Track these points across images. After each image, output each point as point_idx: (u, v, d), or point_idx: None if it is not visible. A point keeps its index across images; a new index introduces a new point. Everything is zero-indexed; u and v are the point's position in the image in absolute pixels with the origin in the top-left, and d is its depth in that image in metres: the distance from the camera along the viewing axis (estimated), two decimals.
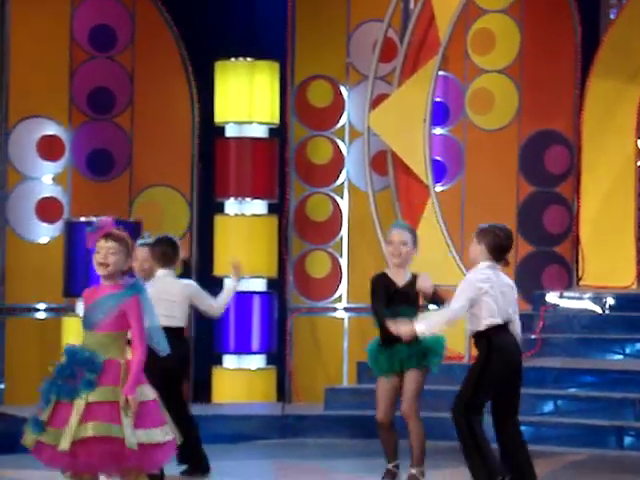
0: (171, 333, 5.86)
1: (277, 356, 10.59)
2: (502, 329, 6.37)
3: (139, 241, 7.20)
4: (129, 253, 5.39)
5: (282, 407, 9.73)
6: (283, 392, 10.48)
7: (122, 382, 5.23)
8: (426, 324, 6.38)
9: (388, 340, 6.60)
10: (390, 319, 6.48)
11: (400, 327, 6.36)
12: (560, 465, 8.09)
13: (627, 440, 8.55)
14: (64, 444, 5.13)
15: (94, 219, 5.54)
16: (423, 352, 6.73)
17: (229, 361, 10.46)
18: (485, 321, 6.35)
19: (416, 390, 6.72)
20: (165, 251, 7.06)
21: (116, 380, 5.23)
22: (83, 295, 5.46)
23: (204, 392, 10.35)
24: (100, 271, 5.36)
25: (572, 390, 9.13)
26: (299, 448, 8.61)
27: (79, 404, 5.18)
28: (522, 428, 8.89)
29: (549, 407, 9.07)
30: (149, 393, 5.29)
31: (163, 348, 5.43)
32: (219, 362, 10.49)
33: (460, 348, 9.63)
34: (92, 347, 5.28)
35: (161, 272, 7.10)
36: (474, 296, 6.32)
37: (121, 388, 5.20)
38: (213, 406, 10.03)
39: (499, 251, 6.42)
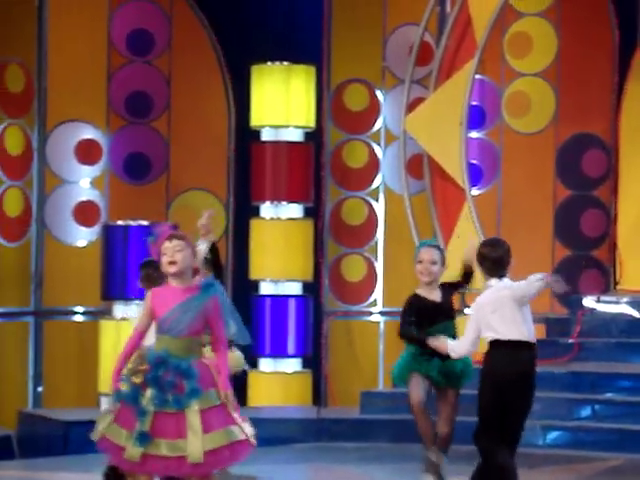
0: None
1: (313, 360, 10.60)
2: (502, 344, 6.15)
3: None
4: (194, 251, 5.40)
5: (318, 410, 9.73)
6: (319, 396, 10.49)
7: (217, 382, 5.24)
8: (456, 348, 6.36)
9: (423, 353, 6.63)
10: (425, 336, 6.53)
11: (439, 343, 6.40)
12: (597, 470, 8.05)
13: None
14: (197, 454, 5.08)
15: (152, 229, 5.50)
16: (456, 373, 6.71)
17: (265, 364, 10.48)
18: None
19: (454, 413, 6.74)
20: (148, 273, 7.08)
21: (213, 382, 5.24)
22: (151, 298, 5.37)
23: (241, 396, 10.37)
24: (170, 269, 5.30)
25: (609, 395, 9.08)
26: (335, 452, 8.61)
27: (193, 413, 5.14)
28: (559, 433, 8.95)
29: (586, 412, 9.02)
30: (215, 399, 5.30)
31: (244, 339, 5.46)
32: (255, 366, 10.51)
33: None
34: (175, 352, 5.23)
35: None
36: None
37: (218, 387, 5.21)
38: (249, 409, 10.04)
39: (492, 265, 6.23)
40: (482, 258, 6.24)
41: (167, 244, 5.34)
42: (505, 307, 6.14)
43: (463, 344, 6.28)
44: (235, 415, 5.20)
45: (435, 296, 6.81)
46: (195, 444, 5.10)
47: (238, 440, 5.17)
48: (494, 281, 6.22)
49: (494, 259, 6.19)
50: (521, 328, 6.16)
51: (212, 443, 5.11)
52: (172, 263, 5.30)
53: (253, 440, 5.23)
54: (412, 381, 6.75)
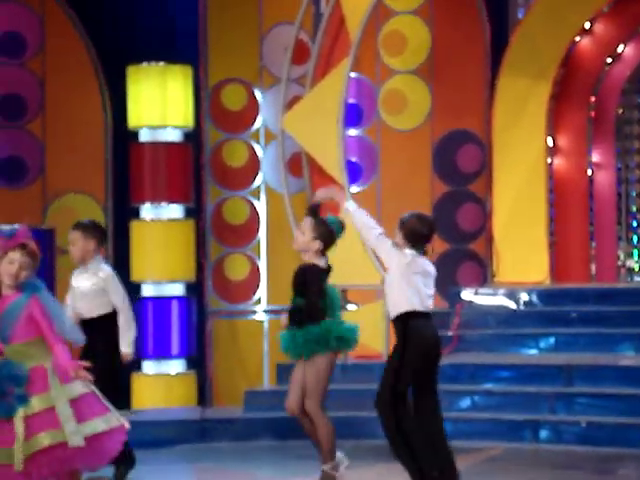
0: None
1: (197, 360, 10.57)
2: (420, 315, 6.44)
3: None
4: (35, 267, 5.38)
5: (201, 411, 9.71)
6: (204, 396, 10.47)
7: (51, 386, 5.20)
8: (357, 208, 6.67)
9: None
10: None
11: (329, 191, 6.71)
12: (477, 460, 8.19)
13: (542, 434, 8.68)
14: (18, 464, 5.08)
15: (9, 227, 5.47)
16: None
17: (149, 367, 10.41)
18: (403, 307, 6.44)
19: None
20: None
21: (46, 386, 5.19)
22: None
23: (124, 399, 10.29)
24: (8, 281, 5.31)
25: (488, 385, 9.25)
26: (218, 452, 8.61)
27: (18, 420, 5.13)
28: None
29: (466, 403, 9.17)
30: (80, 388, 5.26)
31: (77, 339, 5.40)
32: (138, 368, 10.44)
33: (379, 347, 9.72)
34: (14, 358, 5.22)
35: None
36: (394, 250, 6.49)
37: (51, 391, 5.16)
38: (133, 412, 9.97)
39: (416, 238, 6.50)
40: (410, 231, 6.54)
41: (18, 255, 5.30)
42: (428, 281, 6.53)
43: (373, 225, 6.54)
44: (64, 416, 5.12)
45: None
46: (17, 452, 5.10)
47: (60, 442, 5.12)
48: (412, 253, 6.42)
49: (422, 234, 6.49)
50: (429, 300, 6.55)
51: (32, 448, 5.08)
52: (13, 277, 5.28)
53: (76, 442, 5.12)
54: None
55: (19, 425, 5.13)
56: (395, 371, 6.44)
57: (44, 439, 5.11)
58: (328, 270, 7.00)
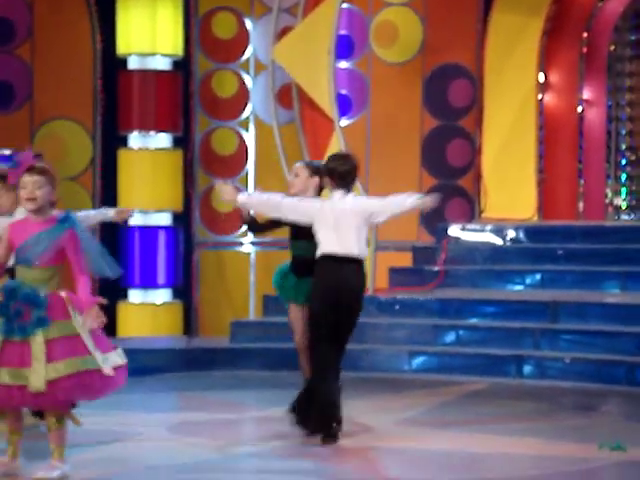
0: None
1: (183, 290, 10.60)
2: (331, 258, 6.25)
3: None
4: (55, 184, 5.32)
5: (188, 340, 9.76)
6: (190, 326, 10.51)
7: (73, 315, 5.18)
8: (247, 196, 6.47)
9: (296, 271, 6.66)
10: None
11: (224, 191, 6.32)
12: (462, 393, 8.25)
13: (526, 369, 8.75)
14: (38, 383, 5.05)
15: (10, 154, 5.44)
16: None
17: (135, 295, 10.44)
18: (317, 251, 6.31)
19: None
20: None
21: (67, 314, 5.19)
22: (9, 230, 5.32)
23: (110, 327, 10.30)
24: (29, 206, 5.27)
25: (473, 320, 9.31)
26: (205, 381, 8.66)
27: (38, 342, 5.11)
28: (425, 358, 9.15)
29: (451, 337, 9.23)
30: (93, 322, 5.24)
31: (113, 272, 5.38)
32: (124, 296, 10.46)
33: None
34: (31, 282, 5.20)
35: None
36: (303, 203, 6.33)
37: (74, 321, 5.16)
38: (119, 340, 10.01)
39: (339, 176, 6.35)
40: (331, 171, 6.35)
41: (27, 177, 5.26)
42: (343, 221, 6.23)
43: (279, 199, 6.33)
44: (90, 345, 5.16)
45: None
46: (36, 373, 5.08)
47: (88, 370, 5.14)
48: (339, 194, 6.30)
49: (342, 172, 6.32)
50: (351, 244, 6.26)
51: (55, 372, 5.09)
52: (30, 200, 5.24)
53: (108, 370, 5.18)
54: (293, 315, 6.77)
55: (39, 348, 5.10)
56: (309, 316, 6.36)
57: (71, 365, 5.10)
58: None
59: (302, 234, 6.53)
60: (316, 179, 6.75)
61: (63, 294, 5.25)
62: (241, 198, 6.37)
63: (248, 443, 6.53)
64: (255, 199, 6.44)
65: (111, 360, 5.25)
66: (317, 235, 6.32)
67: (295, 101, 10.11)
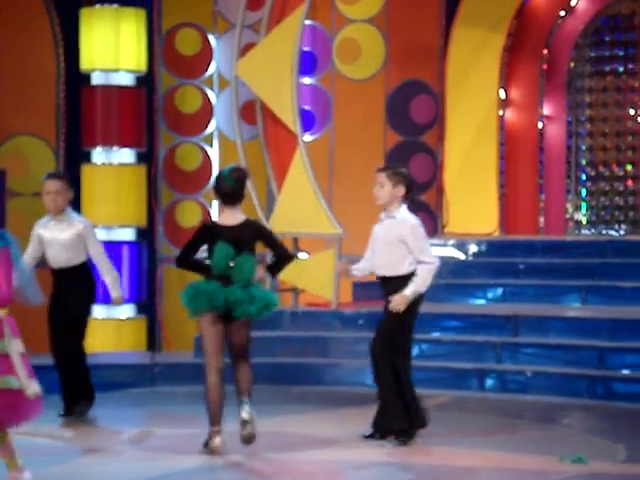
0: None
1: (147, 305, 10.59)
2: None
3: (49, 172, 7.90)
4: None
5: (152, 356, 9.75)
6: (153, 341, 10.50)
7: (7, 336, 5.21)
8: (416, 286, 6.77)
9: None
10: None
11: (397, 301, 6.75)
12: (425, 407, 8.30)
13: (488, 382, 8.81)
14: None
15: None
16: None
17: (99, 311, 10.41)
18: (411, 264, 6.75)
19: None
20: None
21: (1, 333, 5.21)
22: None
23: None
24: None
25: (436, 334, 9.36)
26: (170, 396, 8.66)
27: None
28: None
29: (414, 351, 9.22)
30: (22, 346, 5.29)
31: (37, 298, 5.43)
32: None
33: (328, 295, 9.79)
34: None
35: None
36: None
37: (6, 341, 5.18)
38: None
39: (411, 190, 6.82)
40: (412, 187, 6.86)
41: None
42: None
43: (431, 266, 6.97)
44: (18, 366, 5.17)
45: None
46: None
47: (11, 389, 5.16)
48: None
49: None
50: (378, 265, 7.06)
51: None
52: None
53: (32, 392, 5.19)
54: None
55: None
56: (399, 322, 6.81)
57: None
58: None
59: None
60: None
61: (1, 314, 5.26)
62: (408, 291, 6.79)
63: (214, 456, 6.54)
64: (414, 285, 6.83)
65: (34, 386, 5.25)
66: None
67: (259, 117, 10.16)
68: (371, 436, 6.96)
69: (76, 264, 7.67)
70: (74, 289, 7.63)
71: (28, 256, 7.60)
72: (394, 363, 6.81)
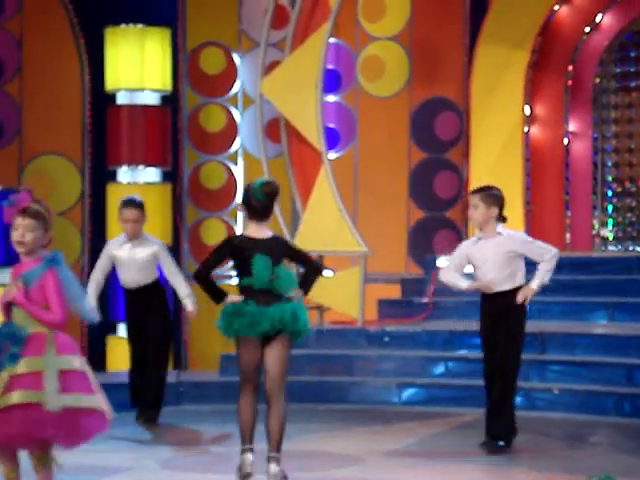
0: None
1: (173, 324, 10.57)
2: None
3: (123, 199, 8.23)
4: (48, 226, 5.36)
5: (177, 374, 9.74)
6: (179, 360, 10.50)
7: (47, 352, 5.22)
8: (540, 279, 7.07)
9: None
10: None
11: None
12: (451, 425, 8.27)
13: (516, 400, 8.73)
14: None
15: (10, 193, 5.48)
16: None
17: (124, 330, 10.42)
18: (522, 277, 7.06)
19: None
20: None
21: (39, 350, 5.22)
22: (11, 272, 5.40)
23: (99, 361, 10.32)
24: (18, 249, 5.34)
25: (462, 352, 9.32)
26: (196, 414, 8.65)
27: (2, 377, 5.17)
28: (414, 390, 9.17)
29: (440, 369, 9.25)
30: (76, 363, 5.29)
31: (92, 318, 5.45)
32: (113, 331, 10.46)
33: (354, 313, 9.77)
34: (19, 322, 5.26)
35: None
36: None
37: (44, 357, 5.20)
38: (108, 375, 10.01)
39: (503, 209, 7.15)
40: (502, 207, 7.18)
41: (20, 220, 5.31)
42: None
43: (553, 255, 7.34)
44: (49, 384, 5.17)
45: None
46: None
47: (37, 403, 5.14)
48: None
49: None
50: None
51: (8, 400, 5.12)
52: (19, 243, 5.30)
53: (57, 409, 5.14)
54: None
55: (2, 380, 5.16)
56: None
57: (15, 396, 5.14)
58: None
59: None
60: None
61: (48, 333, 5.28)
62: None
63: (240, 476, 6.52)
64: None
65: (71, 401, 5.21)
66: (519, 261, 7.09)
67: (283, 135, 10.17)
68: (489, 444, 7.17)
69: (148, 283, 8.09)
70: (153, 310, 8.12)
71: (98, 274, 8.09)
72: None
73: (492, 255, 7.07)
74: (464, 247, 7.27)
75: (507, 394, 7.13)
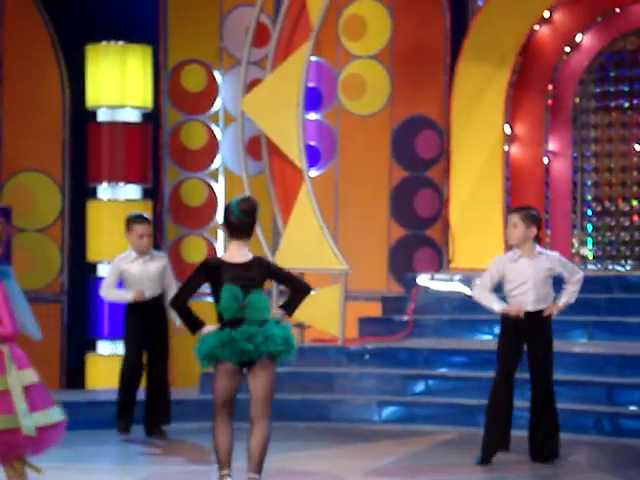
0: None
1: None
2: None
3: (133, 215, 8.41)
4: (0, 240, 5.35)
5: None
6: None
7: (8, 370, 5.19)
8: (567, 297, 7.38)
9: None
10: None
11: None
12: (432, 443, 8.26)
13: None
14: None
15: None
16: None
17: (103, 347, 10.40)
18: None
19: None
20: None
21: (2, 369, 5.18)
22: None
23: (79, 378, 10.27)
24: None
25: (442, 370, 9.32)
26: (176, 432, 8.62)
27: None
28: (394, 408, 9.16)
29: (420, 387, 9.24)
30: (35, 377, 5.27)
31: (35, 334, 5.41)
32: (93, 348, 10.42)
33: (335, 331, 9.76)
34: None
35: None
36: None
37: (8, 375, 5.16)
38: (87, 392, 9.97)
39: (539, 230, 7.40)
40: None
41: None
42: None
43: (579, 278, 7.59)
44: (18, 402, 5.14)
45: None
46: None
47: (8, 429, 5.13)
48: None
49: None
50: None
51: None
52: None
53: (32, 432, 5.14)
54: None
55: None
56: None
57: None
58: None
59: None
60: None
61: (3, 349, 5.25)
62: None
63: None
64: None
65: (43, 418, 5.21)
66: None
67: (264, 152, 10.18)
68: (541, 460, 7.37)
69: (156, 295, 8.35)
70: (159, 322, 8.36)
71: (110, 288, 8.37)
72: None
73: (533, 274, 7.30)
74: (500, 263, 7.45)
75: (554, 408, 7.42)
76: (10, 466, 5.24)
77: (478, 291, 7.45)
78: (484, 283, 7.41)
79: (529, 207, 7.60)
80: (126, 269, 8.33)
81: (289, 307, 6.03)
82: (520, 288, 7.31)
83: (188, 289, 6.00)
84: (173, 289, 8.26)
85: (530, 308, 7.31)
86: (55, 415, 5.26)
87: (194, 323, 5.98)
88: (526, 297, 7.29)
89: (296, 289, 6.03)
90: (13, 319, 5.24)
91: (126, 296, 8.32)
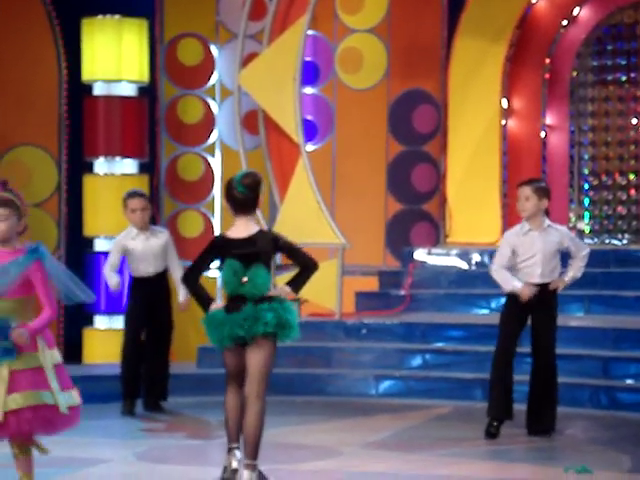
0: None
1: None
2: None
3: (128, 192, 8.47)
4: (21, 214, 5.31)
5: None
6: None
7: (41, 348, 5.18)
8: (574, 272, 7.43)
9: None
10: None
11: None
12: (428, 417, 8.29)
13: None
14: None
15: None
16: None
17: (100, 321, 10.40)
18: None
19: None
20: None
21: (35, 346, 5.18)
22: None
23: (76, 353, 10.28)
24: None
25: (439, 344, 9.35)
26: (172, 406, 8.64)
27: (2, 373, 5.11)
28: (391, 382, 9.19)
29: (417, 361, 9.27)
30: (59, 356, 5.27)
31: (86, 299, 5.36)
32: (90, 323, 10.43)
33: (331, 305, 9.77)
34: (1, 314, 5.17)
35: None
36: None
37: (41, 353, 5.16)
38: (85, 367, 9.98)
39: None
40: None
41: None
42: None
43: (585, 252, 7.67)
44: (52, 379, 5.15)
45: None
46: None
47: (46, 404, 5.14)
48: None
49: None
50: None
51: (14, 404, 5.09)
52: None
53: (64, 408, 5.16)
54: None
55: (2, 380, 5.10)
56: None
57: (27, 398, 5.10)
58: None
59: None
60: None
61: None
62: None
63: (216, 468, 6.52)
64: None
65: (69, 398, 5.23)
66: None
67: (261, 127, 10.15)
68: (538, 433, 7.38)
69: (160, 271, 8.38)
70: (164, 298, 8.42)
71: (113, 266, 8.39)
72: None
73: (543, 247, 7.30)
74: (510, 238, 7.42)
75: (554, 382, 7.45)
76: (17, 443, 5.24)
77: (497, 273, 7.40)
78: (500, 264, 7.37)
79: (538, 179, 7.62)
80: (129, 246, 8.40)
81: (295, 284, 5.96)
82: (529, 261, 7.31)
83: (199, 266, 5.97)
84: (176, 265, 8.35)
85: (537, 280, 7.31)
86: (77, 397, 5.29)
87: (204, 300, 5.96)
88: (534, 269, 7.30)
89: (304, 266, 5.96)
90: (53, 300, 5.23)
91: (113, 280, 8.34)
